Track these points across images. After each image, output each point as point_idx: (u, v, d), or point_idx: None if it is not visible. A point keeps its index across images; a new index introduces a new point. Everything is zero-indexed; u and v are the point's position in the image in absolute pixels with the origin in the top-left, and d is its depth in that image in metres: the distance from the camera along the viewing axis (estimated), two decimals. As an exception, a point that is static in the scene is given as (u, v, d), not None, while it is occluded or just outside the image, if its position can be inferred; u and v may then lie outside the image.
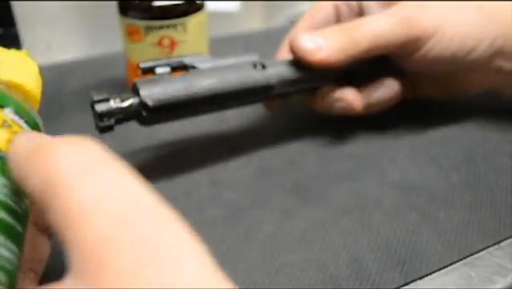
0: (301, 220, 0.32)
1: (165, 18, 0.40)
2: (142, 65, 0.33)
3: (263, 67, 0.35)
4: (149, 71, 0.33)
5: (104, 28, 0.60)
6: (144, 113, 0.31)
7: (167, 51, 0.41)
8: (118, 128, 0.41)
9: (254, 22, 0.72)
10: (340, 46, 0.35)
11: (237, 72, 0.34)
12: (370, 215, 0.32)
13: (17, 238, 0.19)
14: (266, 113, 0.44)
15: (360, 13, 0.41)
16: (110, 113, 0.30)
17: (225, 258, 0.29)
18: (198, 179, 0.36)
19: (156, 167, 0.37)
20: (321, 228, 0.31)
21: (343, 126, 0.42)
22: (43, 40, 0.60)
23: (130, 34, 0.41)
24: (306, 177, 0.36)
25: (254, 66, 0.35)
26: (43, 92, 0.49)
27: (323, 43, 0.35)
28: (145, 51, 0.41)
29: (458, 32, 0.36)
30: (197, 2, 0.41)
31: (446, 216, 0.32)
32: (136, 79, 0.32)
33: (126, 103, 0.31)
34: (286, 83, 0.36)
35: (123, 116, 0.31)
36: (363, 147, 0.39)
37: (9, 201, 0.20)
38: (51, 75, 0.52)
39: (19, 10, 0.57)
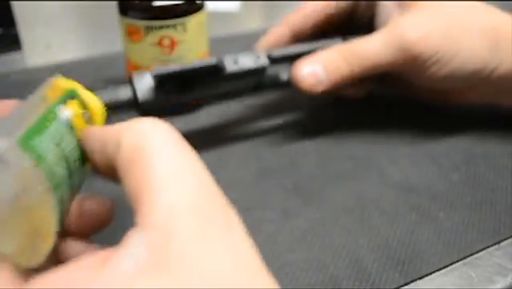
0: (301, 220, 0.32)
1: (165, 18, 0.40)
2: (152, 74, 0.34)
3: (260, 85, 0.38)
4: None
5: (104, 28, 0.60)
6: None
7: (167, 51, 0.41)
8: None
9: (254, 22, 0.72)
10: (340, 76, 0.36)
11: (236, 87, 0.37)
12: (370, 215, 0.32)
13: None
14: (266, 112, 0.44)
15: (373, 11, 0.41)
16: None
17: (226, 258, 0.29)
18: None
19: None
20: (321, 228, 0.31)
21: (344, 126, 0.42)
22: (43, 40, 0.60)
23: (130, 34, 0.41)
24: (307, 177, 0.36)
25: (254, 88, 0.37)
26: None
27: (323, 76, 0.36)
28: (145, 51, 0.41)
29: (458, 55, 0.35)
30: (197, 1, 0.41)
31: (446, 216, 0.32)
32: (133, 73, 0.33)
33: (118, 93, 0.32)
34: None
35: (115, 104, 0.32)
36: (363, 147, 0.39)
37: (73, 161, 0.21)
38: (52, 74, 0.52)
39: (19, 10, 0.57)
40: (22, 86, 0.49)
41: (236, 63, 0.35)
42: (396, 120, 0.42)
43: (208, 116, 0.44)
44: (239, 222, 0.19)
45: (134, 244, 0.16)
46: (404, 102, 0.44)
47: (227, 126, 0.42)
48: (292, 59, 0.38)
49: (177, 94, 0.35)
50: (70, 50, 0.60)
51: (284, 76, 0.39)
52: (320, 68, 0.36)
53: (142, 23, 0.40)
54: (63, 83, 0.23)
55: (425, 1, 0.37)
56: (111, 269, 0.16)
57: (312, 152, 0.39)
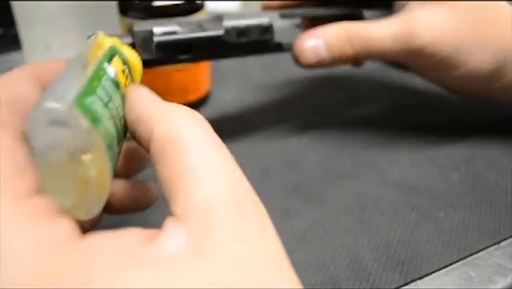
0: (301, 220, 0.32)
1: (165, 18, 0.40)
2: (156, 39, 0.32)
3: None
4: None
5: (104, 28, 0.60)
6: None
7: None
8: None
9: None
10: (341, 55, 0.35)
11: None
12: (370, 215, 0.32)
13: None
14: (266, 112, 0.44)
15: None
16: None
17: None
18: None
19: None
20: (321, 228, 0.31)
21: (344, 126, 0.42)
22: (43, 40, 0.60)
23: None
24: (307, 177, 0.36)
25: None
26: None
27: (324, 52, 0.35)
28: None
29: (468, 65, 0.34)
30: (197, 1, 0.41)
31: (446, 216, 0.32)
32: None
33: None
34: None
35: None
36: (363, 147, 0.39)
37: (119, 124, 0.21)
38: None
39: (19, 10, 0.57)
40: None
41: (243, 33, 0.35)
42: (396, 120, 0.42)
43: (208, 115, 0.44)
44: (268, 217, 0.19)
45: (174, 234, 0.17)
46: (404, 102, 0.44)
47: (227, 126, 0.42)
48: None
49: (178, 55, 0.34)
50: (70, 50, 0.60)
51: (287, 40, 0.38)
52: (323, 44, 0.35)
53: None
54: (105, 40, 0.24)
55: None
56: (157, 246, 0.16)
57: (312, 152, 0.39)
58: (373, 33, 0.34)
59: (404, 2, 0.36)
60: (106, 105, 0.20)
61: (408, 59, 0.35)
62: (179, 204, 0.18)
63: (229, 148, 0.39)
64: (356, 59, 0.36)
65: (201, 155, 0.19)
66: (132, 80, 0.24)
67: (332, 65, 0.36)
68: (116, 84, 0.21)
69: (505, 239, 0.30)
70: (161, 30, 0.32)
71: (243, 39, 0.35)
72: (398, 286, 0.27)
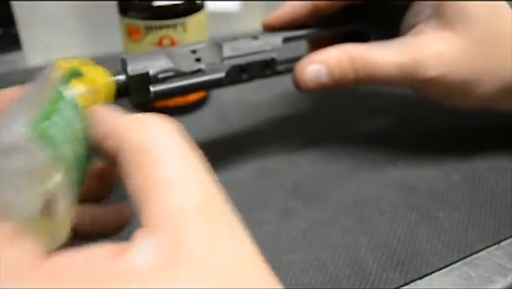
0: (301, 220, 0.32)
1: (165, 18, 0.40)
2: (152, 89, 0.31)
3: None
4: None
5: (104, 28, 0.60)
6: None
7: (167, 51, 0.41)
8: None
9: (254, 22, 0.72)
10: (343, 80, 0.34)
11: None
12: (370, 215, 0.32)
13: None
14: (266, 113, 0.44)
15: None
16: None
17: (225, 258, 0.29)
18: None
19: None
20: (321, 228, 0.31)
21: (344, 126, 0.42)
22: (43, 40, 0.60)
23: (130, 33, 0.41)
24: (306, 177, 0.36)
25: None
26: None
27: (327, 79, 0.34)
28: (145, 51, 0.41)
29: (474, 94, 0.34)
30: (197, 1, 0.41)
31: (446, 216, 0.32)
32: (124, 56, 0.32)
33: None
34: None
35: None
36: (363, 147, 0.39)
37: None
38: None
39: (19, 10, 0.57)
40: (22, 86, 0.49)
41: (244, 70, 0.34)
42: (396, 120, 0.42)
43: (208, 115, 0.44)
44: (239, 221, 0.19)
45: (143, 247, 0.16)
46: (404, 101, 0.44)
47: (227, 126, 0.42)
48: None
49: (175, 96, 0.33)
50: (70, 51, 0.60)
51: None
52: (324, 69, 0.34)
53: (142, 23, 0.40)
54: (65, 64, 0.23)
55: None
56: (126, 261, 0.16)
57: (312, 151, 0.39)
58: (378, 60, 0.33)
59: (412, 23, 0.35)
60: (63, 129, 0.19)
61: (413, 87, 0.35)
62: (148, 215, 0.17)
63: (228, 148, 0.39)
64: (358, 84, 0.35)
65: (171, 164, 0.18)
66: (100, 100, 0.24)
67: (333, 88, 0.35)
68: (75, 107, 0.21)
69: (505, 239, 0.30)
70: (157, 69, 0.31)
71: (244, 76, 0.34)
72: (398, 286, 0.27)
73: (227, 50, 0.33)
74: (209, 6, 0.44)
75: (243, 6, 0.62)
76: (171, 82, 0.31)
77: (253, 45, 0.34)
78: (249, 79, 0.35)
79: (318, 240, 0.30)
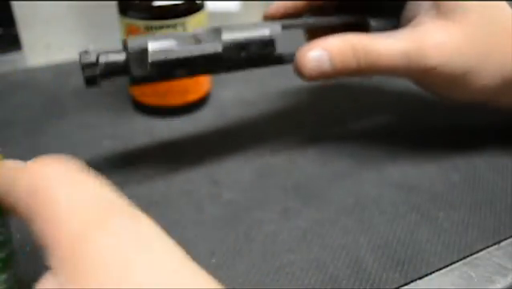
0: (301, 220, 0.32)
1: (165, 18, 0.40)
2: (151, 58, 0.31)
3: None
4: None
5: (104, 28, 0.60)
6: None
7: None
8: (117, 129, 0.41)
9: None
10: (345, 70, 0.33)
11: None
12: (370, 215, 0.32)
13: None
14: (266, 112, 0.44)
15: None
16: (92, 64, 0.31)
17: (225, 258, 0.29)
18: (198, 179, 0.36)
19: (156, 166, 0.37)
20: (321, 228, 0.31)
21: (344, 125, 0.42)
22: (43, 40, 0.60)
23: (130, 33, 0.41)
24: (306, 177, 0.36)
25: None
26: (44, 92, 0.49)
27: (329, 68, 0.33)
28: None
29: (477, 83, 0.33)
30: (197, 1, 0.41)
31: (446, 216, 0.32)
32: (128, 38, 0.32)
33: (112, 57, 0.31)
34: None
35: (109, 69, 0.31)
36: (363, 147, 0.39)
37: None
38: (52, 74, 0.52)
39: (19, 10, 0.57)
40: (22, 86, 0.49)
41: (243, 48, 0.33)
42: (395, 119, 0.42)
43: (208, 115, 0.44)
44: (146, 221, 0.19)
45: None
46: (404, 101, 0.44)
47: (227, 126, 0.42)
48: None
49: (173, 71, 0.33)
50: (69, 50, 0.60)
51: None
52: (326, 56, 0.33)
53: (142, 23, 0.40)
54: None
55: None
56: None
57: (312, 151, 0.39)
58: (380, 48, 0.33)
59: (411, 15, 0.35)
60: None
61: (415, 77, 0.34)
62: (49, 256, 0.18)
63: (228, 148, 0.39)
64: (360, 74, 0.34)
65: (60, 204, 0.19)
66: None
67: (335, 78, 0.34)
68: None
69: (505, 239, 0.30)
70: (157, 46, 0.31)
71: (243, 54, 0.33)
72: (398, 286, 0.27)
73: (226, 34, 0.33)
74: (209, 6, 0.44)
75: (243, 6, 0.62)
76: (168, 53, 0.32)
77: (252, 28, 0.34)
78: (249, 60, 0.34)
79: (318, 240, 0.30)
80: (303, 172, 0.36)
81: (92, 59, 0.31)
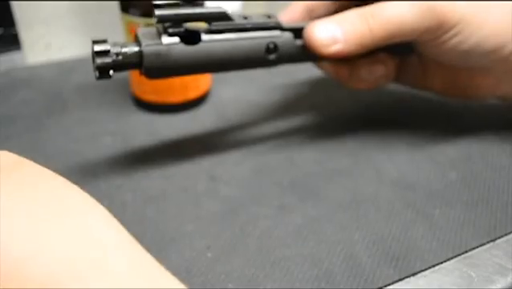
0: (297, 216, 0.32)
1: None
2: (157, 12, 0.30)
3: (275, 48, 0.34)
4: (164, 20, 0.31)
5: (104, 28, 0.60)
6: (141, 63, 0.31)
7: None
8: (118, 126, 0.42)
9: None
10: (357, 36, 0.33)
11: (247, 52, 0.33)
12: (366, 212, 0.32)
13: None
14: (265, 110, 0.44)
15: None
16: (105, 52, 0.30)
17: (221, 252, 0.29)
18: (196, 175, 0.36)
19: (155, 162, 0.37)
20: (316, 224, 0.31)
21: (341, 123, 0.42)
22: (43, 40, 0.60)
23: (131, 31, 0.41)
24: (303, 174, 0.36)
25: (268, 48, 0.34)
26: (46, 88, 0.49)
27: (339, 34, 0.33)
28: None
29: (481, 29, 0.33)
30: (197, 1, 0.41)
31: (442, 213, 0.32)
32: (138, 30, 0.32)
33: (124, 57, 0.30)
34: (292, 60, 0.35)
35: (121, 61, 0.30)
36: (360, 144, 0.39)
37: None
38: (54, 71, 0.52)
39: (19, 10, 0.57)
40: (24, 82, 0.50)
41: (245, 18, 0.33)
42: (393, 118, 0.42)
43: (208, 113, 0.44)
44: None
45: None
46: (403, 100, 0.44)
47: (226, 123, 0.42)
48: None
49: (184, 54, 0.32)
50: (70, 50, 0.60)
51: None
52: (337, 28, 0.33)
53: (143, 21, 0.40)
54: None
55: None
56: None
57: (309, 148, 0.39)
58: (389, 9, 0.33)
59: None
60: None
61: (425, 32, 0.33)
62: None
63: (226, 145, 0.39)
64: (375, 41, 0.33)
65: None
66: None
67: (350, 55, 0.34)
68: None
69: (501, 237, 0.30)
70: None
71: (247, 22, 0.33)
72: (392, 282, 0.27)
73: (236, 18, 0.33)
74: (209, 6, 0.44)
75: (243, 6, 0.62)
76: (175, 8, 0.31)
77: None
78: (254, 28, 0.33)
79: (314, 235, 0.30)
80: (300, 169, 0.36)
81: (105, 47, 0.30)
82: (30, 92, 0.48)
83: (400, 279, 0.27)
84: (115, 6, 0.42)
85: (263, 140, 0.40)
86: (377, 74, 0.38)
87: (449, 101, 0.44)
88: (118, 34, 0.44)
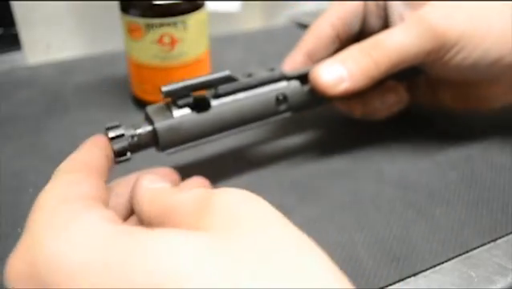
0: (297, 216, 0.32)
1: (165, 16, 0.40)
2: (164, 89, 0.31)
3: (285, 98, 0.34)
4: (171, 95, 0.31)
5: (104, 28, 0.61)
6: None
7: (167, 49, 0.41)
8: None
9: (254, 22, 0.72)
10: (363, 71, 0.33)
11: (258, 108, 0.33)
12: (366, 212, 0.32)
13: None
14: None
15: (385, 13, 0.39)
16: (120, 136, 0.30)
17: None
18: (195, 174, 0.36)
19: (155, 163, 0.37)
20: (317, 224, 0.31)
21: (342, 123, 0.42)
22: (43, 40, 0.60)
23: (131, 31, 0.41)
24: (304, 174, 0.36)
25: (277, 99, 0.34)
26: (46, 88, 0.49)
27: (344, 72, 0.33)
28: (146, 49, 0.41)
29: (483, 42, 0.33)
30: (198, 1, 0.41)
31: (442, 213, 0.32)
32: (148, 108, 0.32)
33: (139, 138, 0.31)
34: (303, 108, 0.36)
35: (136, 142, 0.31)
36: (360, 144, 0.39)
37: None
38: (54, 71, 0.52)
39: (19, 10, 0.57)
40: (24, 83, 0.50)
41: (249, 75, 0.33)
42: (394, 118, 0.42)
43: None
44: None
45: None
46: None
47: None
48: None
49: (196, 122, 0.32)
50: (70, 50, 0.60)
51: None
52: (341, 67, 0.33)
53: (142, 21, 0.40)
54: None
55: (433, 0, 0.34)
56: None
57: (309, 148, 0.39)
58: (390, 38, 0.33)
59: (394, 21, 0.36)
60: None
61: (429, 54, 0.33)
62: None
63: (225, 145, 0.39)
64: (381, 71, 0.33)
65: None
66: None
67: (357, 90, 0.34)
68: None
69: (501, 237, 0.30)
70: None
71: (251, 79, 0.33)
72: (393, 282, 0.27)
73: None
74: (209, 5, 0.44)
75: (243, 6, 0.62)
76: (180, 81, 0.31)
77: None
78: (260, 84, 0.34)
79: (314, 236, 0.30)
80: (300, 169, 0.36)
81: (119, 132, 0.30)
82: (30, 92, 0.48)
83: (401, 279, 0.27)
84: (115, 6, 0.42)
85: (262, 140, 0.40)
86: (390, 102, 0.38)
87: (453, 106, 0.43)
88: (118, 34, 0.44)
